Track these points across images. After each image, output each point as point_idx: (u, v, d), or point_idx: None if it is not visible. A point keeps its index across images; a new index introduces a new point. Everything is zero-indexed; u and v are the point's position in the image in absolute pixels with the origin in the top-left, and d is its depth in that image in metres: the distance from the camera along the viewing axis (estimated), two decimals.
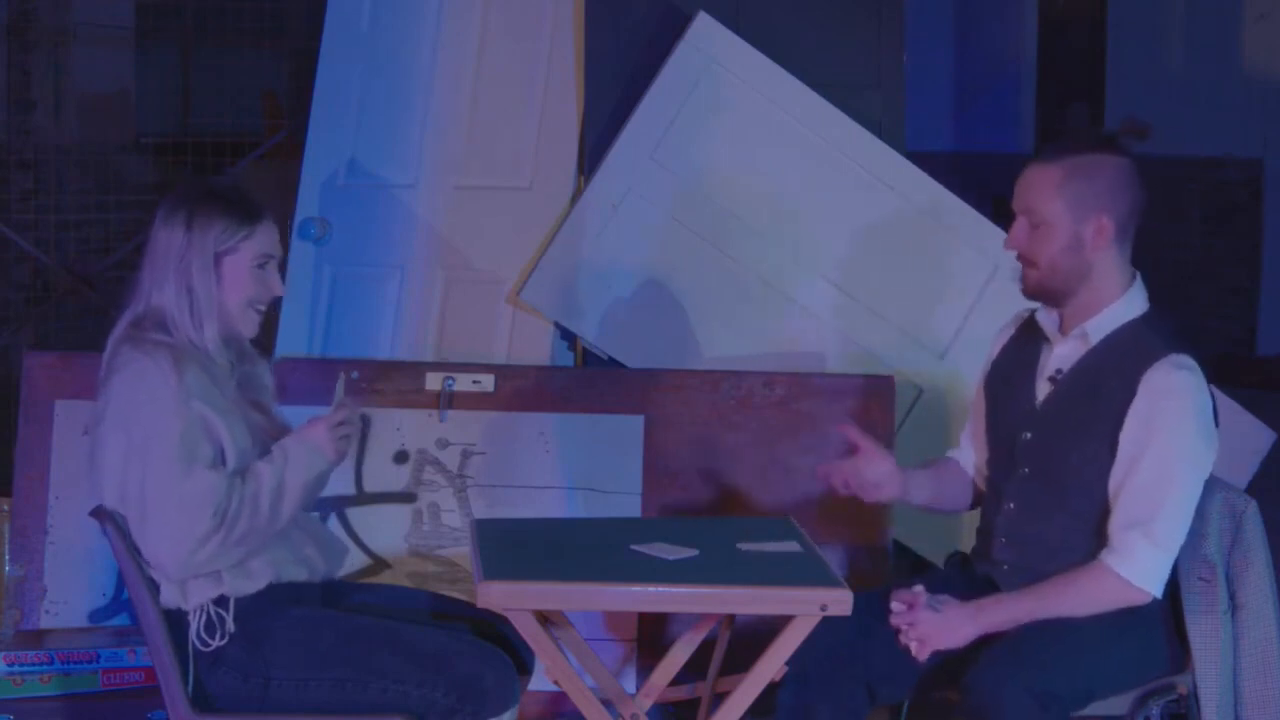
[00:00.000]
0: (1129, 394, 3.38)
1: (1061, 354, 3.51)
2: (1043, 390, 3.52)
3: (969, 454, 3.76)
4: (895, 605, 3.39)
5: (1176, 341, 3.43)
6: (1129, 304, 3.48)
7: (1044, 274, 3.47)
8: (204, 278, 3.38)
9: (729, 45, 4.83)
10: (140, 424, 3.29)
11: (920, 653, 3.36)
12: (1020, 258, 3.51)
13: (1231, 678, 3.48)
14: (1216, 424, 3.44)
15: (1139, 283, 3.51)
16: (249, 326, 3.47)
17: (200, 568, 3.32)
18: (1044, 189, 3.44)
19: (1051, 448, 3.47)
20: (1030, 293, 3.52)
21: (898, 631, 3.38)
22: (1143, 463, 3.35)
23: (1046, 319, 3.55)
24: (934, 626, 3.35)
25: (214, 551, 3.30)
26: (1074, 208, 3.43)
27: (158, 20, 8.41)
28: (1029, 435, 3.51)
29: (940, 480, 3.75)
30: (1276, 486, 4.86)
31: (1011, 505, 3.52)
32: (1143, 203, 3.48)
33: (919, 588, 3.41)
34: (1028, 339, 3.61)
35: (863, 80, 5.07)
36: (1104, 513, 3.41)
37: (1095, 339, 3.47)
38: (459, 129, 5.08)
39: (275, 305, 5.08)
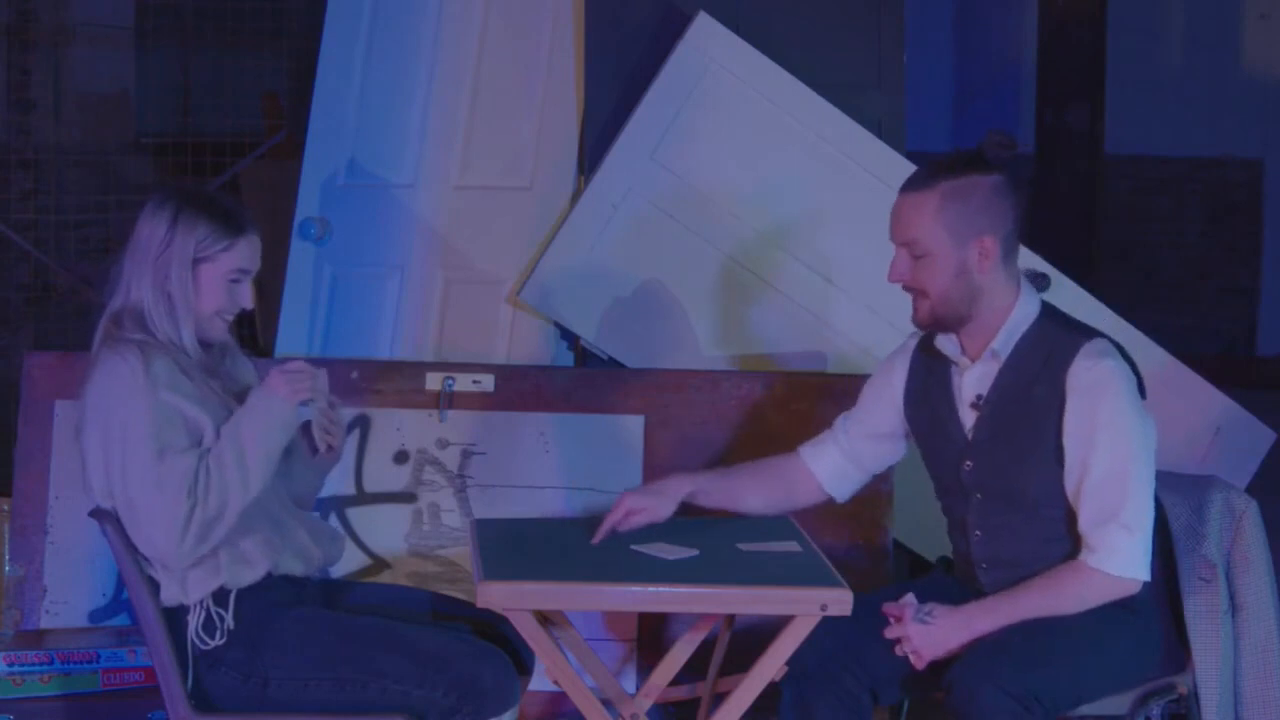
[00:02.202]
0: (1059, 397, 3.36)
1: (975, 378, 3.47)
2: (968, 417, 3.48)
3: (821, 450, 3.71)
4: (889, 618, 3.40)
5: (1082, 330, 3.42)
6: (1024, 309, 3.44)
7: (936, 303, 3.41)
8: (181, 282, 3.39)
9: (729, 45, 4.83)
10: (114, 420, 3.31)
11: (918, 664, 3.36)
12: (908, 289, 3.45)
13: (1231, 678, 3.48)
14: (1143, 394, 3.40)
15: (1026, 284, 3.47)
16: (215, 332, 3.48)
17: (195, 551, 3.31)
18: (921, 219, 3.38)
19: (997, 471, 3.45)
20: (924, 324, 3.47)
21: (895, 643, 3.39)
22: (1094, 460, 3.33)
23: (946, 343, 3.50)
24: (926, 639, 3.35)
25: (200, 530, 3.29)
26: (954, 233, 3.37)
27: (158, 20, 8.40)
28: (970, 464, 3.48)
29: (740, 482, 3.73)
30: (1276, 486, 4.86)
31: (978, 533, 3.50)
32: (1023, 214, 3.43)
33: (907, 597, 3.40)
34: (931, 365, 3.56)
35: (863, 80, 5.06)
36: (1070, 514, 3.40)
37: (1005, 354, 3.43)
38: (459, 129, 5.08)
39: (275, 305, 5.10)
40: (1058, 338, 3.40)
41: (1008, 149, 3.41)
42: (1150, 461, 3.38)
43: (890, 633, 3.38)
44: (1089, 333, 3.41)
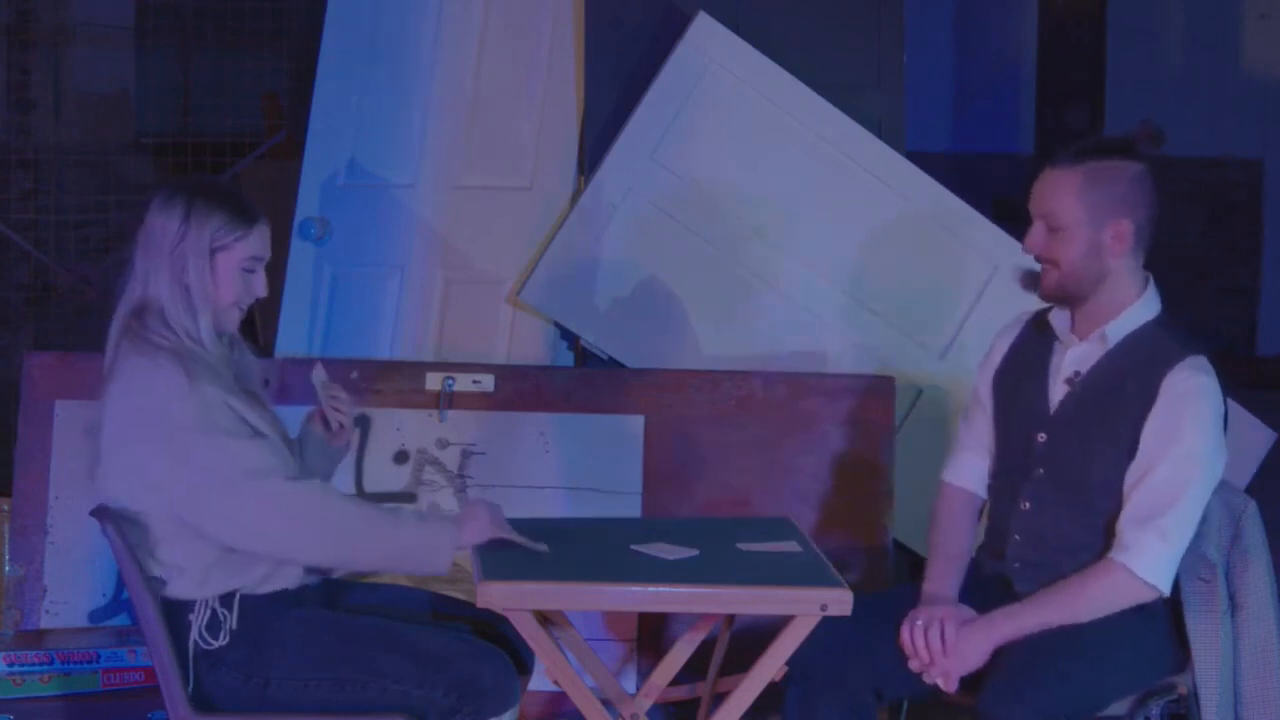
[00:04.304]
0: (1149, 397, 3.39)
1: (1078, 355, 3.51)
2: (1058, 392, 3.52)
3: (969, 465, 3.72)
4: (908, 648, 3.39)
5: (1193, 344, 3.45)
6: (1146, 306, 3.49)
7: (1064, 276, 3.46)
8: (199, 272, 3.38)
9: (729, 45, 4.83)
10: (161, 428, 3.27)
11: (949, 686, 3.37)
12: (1040, 259, 3.51)
13: (1231, 678, 3.48)
14: (1225, 427, 3.44)
15: (1153, 285, 3.52)
16: (231, 323, 3.48)
17: (266, 538, 3.32)
18: (1063, 193, 3.44)
19: (1068, 449, 3.47)
20: (1049, 294, 3.52)
21: (919, 674, 3.38)
22: (1161, 465, 3.36)
23: (1059, 320, 3.55)
24: (954, 660, 3.36)
25: (297, 510, 3.30)
26: (1093, 213, 3.43)
27: (158, 20, 8.40)
28: (1043, 436, 3.50)
29: (966, 545, 3.68)
30: (1276, 486, 4.86)
31: (1027, 504, 3.52)
32: (1159, 208, 3.49)
33: (918, 624, 3.40)
34: (1037, 339, 3.61)
35: (863, 80, 5.07)
36: (1119, 511, 3.42)
37: (1114, 341, 3.47)
38: (459, 129, 5.08)
39: (275, 305, 5.10)
40: (1167, 342, 3.44)
41: (1156, 142, 3.49)
42: (1209, 486, 3.41)
43: (916, 664, 3.38)
44: (1197, 348, 3.44)
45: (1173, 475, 3.35)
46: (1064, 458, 3.48)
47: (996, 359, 3.69)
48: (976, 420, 3.71)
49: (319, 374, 3.62)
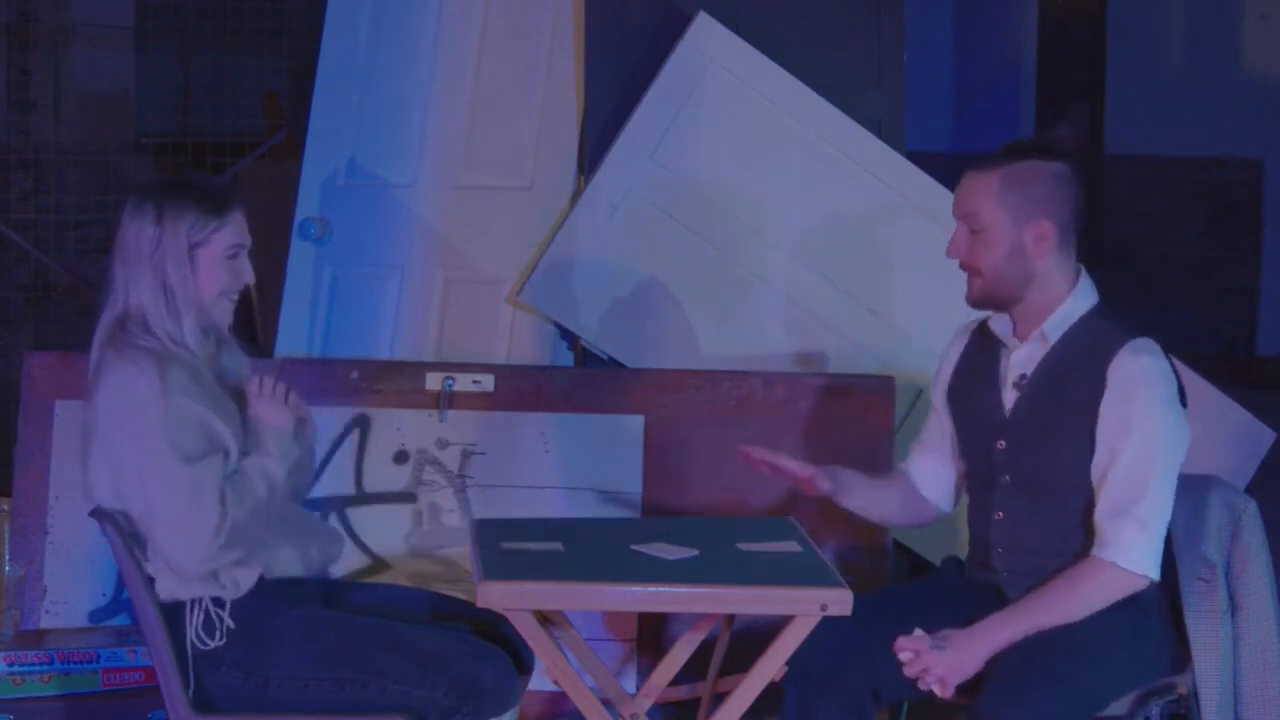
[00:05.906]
0: (1098, 388, 3.39)
1: (1022, 358, 3.51)
2: (1009, 398, 3.51)
3: (922, 465, 3.73)
4: (903, 655, 3.38)
5: (1133, 328, 3.44)
6: (1079, 299, 3.49)
7: (988, 282, 3.47)
8: (179, 273, 3.39)
9: (729, 45, 4.83)
10: (133, 434, 3.30)
11: (945, 692, 3.36)
12: (963, 266, 3.50)
13: (1231, 678, 3.48)
14: (1184, 401, 3.43)
15: (1085, 277, 3.52)
16: (223, 315, 3.48)
17: (216, 560, 3.32)
18: (982, 196, 3.45)
19: (1028, 453, 3.47)
20: (976, 301, 3.52)
21: (915, 680, 3.37)
22: (1123, 453, 3.36)
23: (1000, 325, 3.55)
24: (948, 665, 3.34)
25: (227, 540, 3.31)
26: (1014, 214, 3.43)
27: (158, 20, 8.41)
28: (1003, 444, 3.50)
29: (875, 490, 3.71)
30: (1276, 486, 4.86)
31: (1000, 514, 3.51)
32: (1083, 204, 3.49)
33: (917, 631, 3.40)
34: (983, 348, 3.61)
35: (863, 80, 5.07)
36: (1092, 508, 3.42)
37: (1053, 338, 3.47)
38: (459, 129, 5.08)
39: (275, 305, 5.11)
40: (1106, 331, 3.44)
41: (1075, 140, 3.49)
42: (1176, 464, 3.40)
43: (910, 670, 3.37)
44: (1137, 332, 3.44)
45: (1138, 462, 3.35)
46: (1025, 462, 3.48)
47: (948, 371, 3.69)
48: (932, 428, 3.72)
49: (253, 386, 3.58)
